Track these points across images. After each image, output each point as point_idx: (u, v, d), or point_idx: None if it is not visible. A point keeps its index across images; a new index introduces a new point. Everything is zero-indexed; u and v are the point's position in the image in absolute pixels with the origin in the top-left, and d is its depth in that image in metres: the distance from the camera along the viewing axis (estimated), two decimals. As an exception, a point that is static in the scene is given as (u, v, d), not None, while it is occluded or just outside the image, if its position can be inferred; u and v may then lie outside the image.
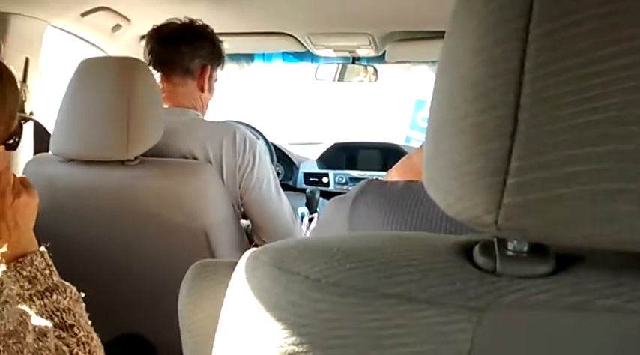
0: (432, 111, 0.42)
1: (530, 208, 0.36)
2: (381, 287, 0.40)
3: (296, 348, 0.41)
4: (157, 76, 1.52)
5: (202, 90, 1.58)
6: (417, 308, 0.39)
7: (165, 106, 1.47)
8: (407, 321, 0.39)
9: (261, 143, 1.58)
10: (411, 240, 0.46)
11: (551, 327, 0.38)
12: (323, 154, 2.83)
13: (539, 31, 0.35)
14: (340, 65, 2.51)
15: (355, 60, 2.45)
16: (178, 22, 1.58)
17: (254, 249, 0.48)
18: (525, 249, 0.41)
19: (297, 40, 2.10)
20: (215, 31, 1.65)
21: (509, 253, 0.41)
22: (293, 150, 2.86)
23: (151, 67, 1.49)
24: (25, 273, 0.88)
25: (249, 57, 2.59)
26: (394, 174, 0.89)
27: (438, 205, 0.42)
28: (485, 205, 0.37)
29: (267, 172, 1.52)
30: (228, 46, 2.15)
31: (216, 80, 1.64)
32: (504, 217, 0.37)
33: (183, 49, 1.54)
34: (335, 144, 2.87)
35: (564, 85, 0.35)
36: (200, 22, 1.60)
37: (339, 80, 2.56)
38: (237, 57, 2.56)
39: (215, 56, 1.62)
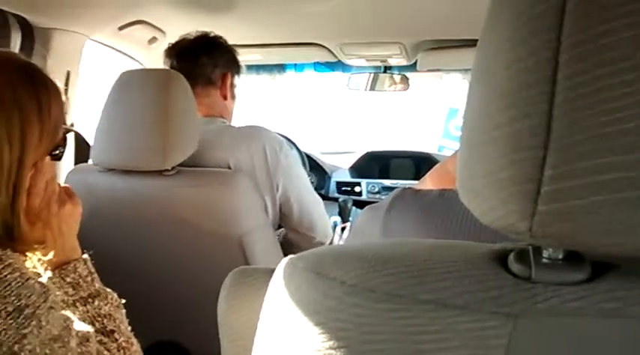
0: (466, 120, 0.43)
1: (563, 216, 0.36)
2: (417, 293, 0.41)
3: (333, 352, 0.42)
4: None
5: (225, 98, 1.62)
6: (452, 314, 0.40)
7: None
8: (442, 327, 0.40)
9: (294, 152, 1.61)
10: (445, 247, 0.47)
11: (585, 333, 0.38)
12: (355, 163, 2.84)
13: (570, 42, 0.35)
14: (372, 74, 2.52)
15: (387, 69, 2.46)
16: (190, 37, 1.62)
17: (291, 256, 0.49)
18: (560, 256, 0.41)
19: (329, 50, 2.12)
20: (248, 42, 1.69)
21: (545, 260, 0.41)
22: (325, 160, 2.88)
23: None
24: (68, 280, 0.91)
25: (281, 67, 2.62)
26: (428, 182, 0.89)
27: (472, 213, 0.42)
28: (519, 213, 0.37)
29: (301, 171, 1.57)
30: (260, 56, 2.19)
31: (235, 86, 1.68)
32: (538, 225, 0.37)
33: (203, 61, 1.58)
34: (367, 153, 2.88)
35: (596, 94, 0.35)
36: (213, 34, 1.65)
37: (370, 89, 2.57)
38: (269, 67, 2.60)
39: (233, 64, 1.66)
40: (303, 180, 1.58)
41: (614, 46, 0.35)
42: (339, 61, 2.31)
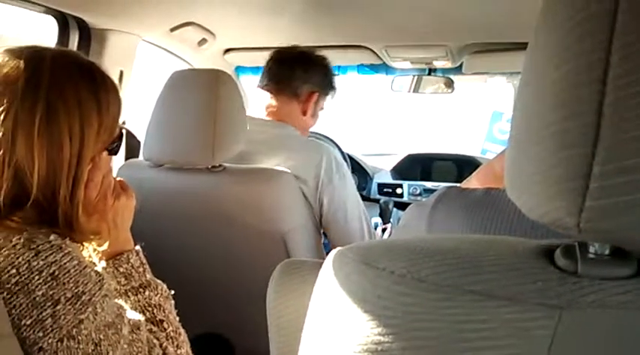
0: (515, 119, 0.44)
1: (611, 212, 0.37)
2: (464, 284, 0.43)
3: (382, 338, 0.43)
4: (267, 94, 1.64)
5: (304, 114, 1.66)
6: (499, 305, 0.41)
7: (269, 119, 1.60)
8: (488, 317, 0.41)
9: (346, 166, 1.65)
10: (492, 241, 0.48)
11: (631, 327, 0.39)
12: (397, 165, 2.83)
13: (622, 42, 0.36)
14: (416, 76, 2.51)
15: (431, 71, 2.45)
16: (296, 49, 1.69)
17: (340, 248, 0.51)
18: (607, 252, 0.42)
19: (375, 53, 2.13)
20: (293, 43, 1.71)
21: (591, 256, 0.42)
22: (367, 161, 2.88)
23: (260, 86, 1.63)
24: (121, 270, 0.95)
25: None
26: (474, 181, 0.90)
27: (520, 209, 0.43)
28: (567, 208, 0.38)
29: (352, 194, 1.59)
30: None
31: (322, 108, 1.72)
32: (586, 220, 0.38)
33: (297, 73, 1.63)
34: (409, 155, 2.87)
35: None
36: (318, 53, 1.70)
37: (414, 91, 2.55)
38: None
39: (325, 85, 1.70)
40: (352, 203, 1.58)
41: None
42: (383, 63, 2.31)
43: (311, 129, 1.76)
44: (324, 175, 1.50)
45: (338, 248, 0.51)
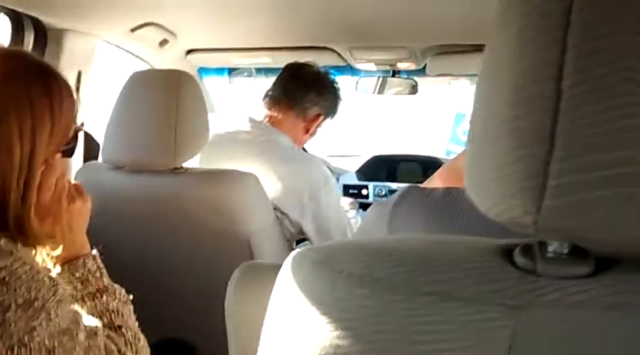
0: (474, 116, 0.44)
1: (569, 210, 0.37)
2: (423, 285, 0.42)
3: (340, 342, 0.43)
4: (263, 104, 1.69)
5: (306, 132, 1.74)
6: (457, 306, 0.41)
7: (268, 125, 1.64)
8: (447, 318, 0.41)
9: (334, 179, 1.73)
10: (451, 242, 0.48)
11: (589, 326, 0.39)
12: (363, 166, 2.84)
13: (577, 39, 0.36)
14: (380, 78, 2.52)
15: (395, 73, 2.46)
16: (314, 69, 1.75)
17: (299, 249, 0.50)
18: (565, 251, 0.42)
19: (339, 54, 2.13)
20: (258, 45, 1.71)
21: (549, 255, 0.42)
22: (332, 163, 2.88)
23: (271, 96, 1.68)
24: (77, 275, 0.92)
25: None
26: (437, 180, 0.90)
27: (479, 208, 0.43)
28: (524, 207, 0.38)
29: (336, 210, 1.65)
30: (270, 59, 2.20)
31: (320, 127, 1.80)
32: (544, 219, 0.38)
33: (311, 95, 1.69)
34: (375, 156, 2.88)
35: (603, 90, 0.36)
36: (330, 77, 1.77)
37: (378, 93, 2.56)
38: (277, 71, 2.60)
39: (331, 109, 1.77)
40: (335, 219, 1.64)
41: (621, 43, 0.36)
42: (348, 64, 2.31)
43: None
44: (312, 189, 1.55)
45: (297, 250, 0.50)
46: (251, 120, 1.63)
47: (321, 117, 1.74)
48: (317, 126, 1.76)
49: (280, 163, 1.54)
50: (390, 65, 2.32)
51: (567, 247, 0.42)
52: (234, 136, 1.62)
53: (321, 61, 2.26)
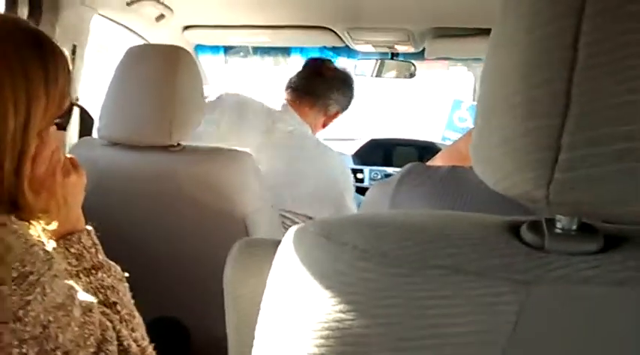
0: (483, 88, 0.43)
1: (580, 183, 0.36)
2: (429, 259, 0.41)
3: (343, 316, 0.42)
4: (285, 94, 1.80)
5: (324, 127, 1.88)
6: (464, 280, 0.40)
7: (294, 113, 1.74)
8: (453, 292, 0.40)
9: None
10: (458, 217, 0.47)
11: (597, 302, 0.39)
12: (359, 150, 2.83)
13: (595, 8, 0.35)
14: (378, 61, 2.51)
15: (394, 56, 2.44)
16: (337, 68, 1.87)
17: (300, 224, 0.49)
18: (574, 227, 0.41)
19: (337, 35, 2.10)
20: (256, 23, 1.70)
21: (558, 231, 0.41)
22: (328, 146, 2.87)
23: (297, 93, 1.78)
24: (73, 250, 0.91)
25: (287, 51, 2.60)
26: (439, 161, 0.89)
27: (486, 182, 0.42)
28: (535, 180, 0.37)
29: (350, 197, 1.78)
30: (268, 38, 2.18)
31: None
32: (555, 192, 0.37)
33: (335, 95, 1.82)
34: (371, 140, 2.87)
35: (619, 62, 0.35)
36: (349, 74, 1.90)
37: (377, 76, 2.55)
38: (274, 51, 2.58)
39: (348, 105, 1.91)
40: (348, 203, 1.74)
41: (637, 13, 0.35)
42: (346, 46, 2.29)
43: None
44: (336, 181, 1.70)
45: (298, 224, 0.49)
46: (285, 107, 1.75)
47: (339, 114, 1.88)
48: (334, 120, 1.90)
49: (310, 163, 1.66)
50: (389, 47, 2.29)
51: (576, 223, 0.41)
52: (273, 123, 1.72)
53: (318, 41, 2.25)
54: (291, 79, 1.82)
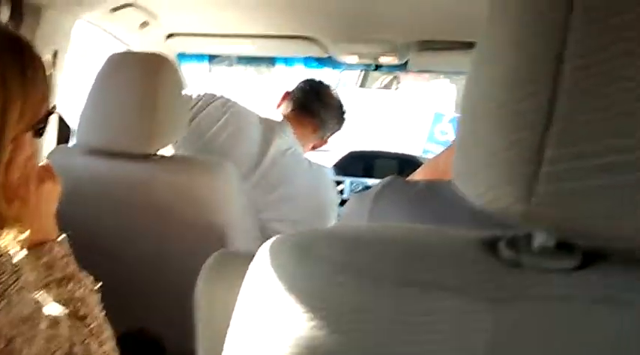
0: (467, 101, 0.42)
1: (561, 198, 0.36)
2: (405, 274, 0.41)
3: (317, 332, 0.41)
4: (284, 108, 1.81)
5: (313, 149, 1.93)
6: (440, 297, 0.39)
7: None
8: (429, 309, 0.39)
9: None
10: (435, 232, 0.47)
11: (573, 320, 0.38)
12: (339, 162, 2.83)
13: (579, 21, 0.35)
14: (362, 72, 2.51)
15: (378, 67, 2.45)
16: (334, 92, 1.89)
17: (278, 235, 0.48)
18: (552, 243, 0.41)
19: (322, 45, 2.11)
20: (240, 32, 1.69)
21: (536, 247, 0.41)
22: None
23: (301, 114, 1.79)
24: (43, 260, 0.89)
25: (271, 61, 2.59)
26: (418, 175, 0.89)
27: (468, 196, 0.41)
28: (516, 194, 0.37)
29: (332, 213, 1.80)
30: (252, 47, 2.17)
31: None
32: (535, 206, 0.36)
33: (331, 124, 1.87)
34: (352, 152, 2.87)
35: (604, 75, 0.35)
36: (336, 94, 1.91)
37: (360, 86, 2.56)
38: (258, 61, 2.57)
39: (336, 132, 1.95)
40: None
41: (624, 26, 0.34)
42: (330, 57, 2.29)
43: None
44: (321, 198, 1.72)
45: (276, 236, 0.48)
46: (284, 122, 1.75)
47: (330, 137, 1.93)
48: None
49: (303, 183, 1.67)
50: (373, 59, 2.30)
51: (554, 240, 0.41)
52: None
53: (303, 51, 2.25)
54: (293, 95, 1.82)
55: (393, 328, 0.40)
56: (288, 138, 1.71)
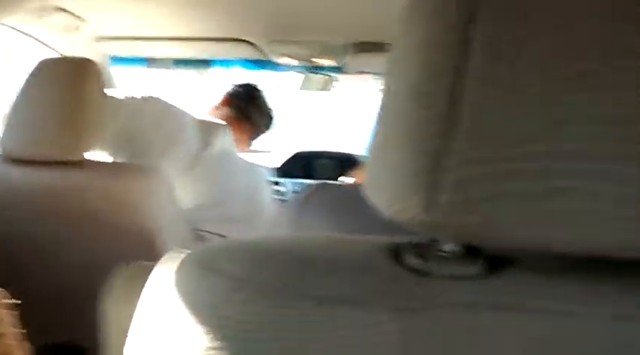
0: (378, 113, 0.42)
1: (465, 206, 0.36)
2: (307, 288, 0.40)
3: (217, 352, 0.40)
4: (223, 110, 1.90)
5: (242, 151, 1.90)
6: (343, 310, 0.39)
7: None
8: (333, 324, 0.38)
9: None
10: (341, 241, 0.46)
11: (481, 327, 0.38)
12: (284, 163, 2.83)
13: (481, 31, 0.35)
14: (302, 74, 2.51)
15: (317, 69, 2.45)
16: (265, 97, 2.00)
17: (175, 250, 0.47)
18: (458, 250, 0.41)
19: (256, 48, 2.09)
20: (174, 34, 1.67)
21: (442, 254, 0.41)
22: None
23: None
24: None
25: (208, 63, 2.56)
26: (358, 176, 0.89)
27: (378, 208, 0.41)
28: (422, 203, 0.37)
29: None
30: (187, 50, 2.14)
31: None
32: (441, 215, 0.36)
33: (263, 128, 1.99)
34: (298, 153, 2.87)
35: (507, 85, 0.35)
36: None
37: (301, 89, 2.56)
38: (195, 63, 2.54)
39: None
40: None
41: (525, 36, 0.35)
42: (269, 59, 2.28)
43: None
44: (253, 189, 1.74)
45: (174, 249, 0.47)
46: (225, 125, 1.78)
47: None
48: None
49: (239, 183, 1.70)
50: (310, 61, 2.30)
51: (461, 246, 0.41)
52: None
53: (239, 53, 2.22)
54: (231, 98, 1.91)
55: (297, 346, 0.39)
56: (226, 141, 1.72)
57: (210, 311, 0.41)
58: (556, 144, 0.35)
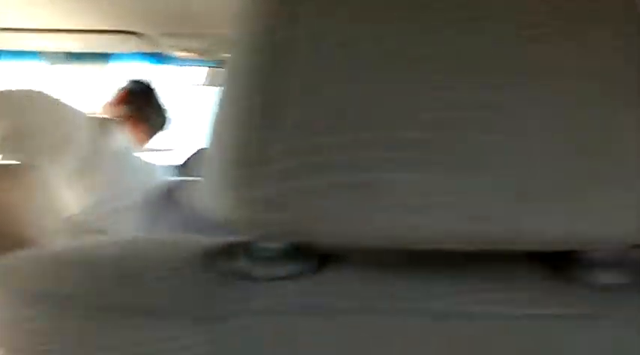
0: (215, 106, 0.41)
1: (288, 201, 0.34)
2: (109, 299, 0.36)
3: None
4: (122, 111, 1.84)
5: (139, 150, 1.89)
6: (151, 321, 0.36)
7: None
8: (139, 337, 0.35)
9: None
10: (157, 245, 0.43)
11: (310, 332, 0.36)
12: (187, 160, 2.77)
13: (304, 28, 0.35)
14: (208, 69, 2.46)
15: (221, 64, 2.40)
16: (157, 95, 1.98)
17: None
18: (279, 249, 0.38)
19: (150, 40, 2.03)
20: (59, 27, 1.59)
21: (261, 254, 0.38)
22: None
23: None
24: None
25: (106, 57, 2.47)
26: None
27: (198, 206, 0.39)
28: (236, 200, 0.34)
29: None
30: (76, 43, 2.05)
31: None
32: (261, 211, 0.34)
33: (158, 125, 1.98)
34: (201, 149, 2.82)
35: (321, 72, 0.34)
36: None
37: (209, 84, 2.52)
38: (91, 57, 2.43)
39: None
40: None
41: (344, 31, 0.34)
42: (171, 53, 2.22)
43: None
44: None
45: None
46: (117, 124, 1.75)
47: None
48: None
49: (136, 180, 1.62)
50: (209, 54, 2.26)
51: (281, 245, 0.38)
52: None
53: (131, 47, 2.15)
54: (125, 95, 1.87)
55: None
56: (121, 139, 1.68)
57: (3, 330, 0.37)
58: (372, 132, 0.33)
